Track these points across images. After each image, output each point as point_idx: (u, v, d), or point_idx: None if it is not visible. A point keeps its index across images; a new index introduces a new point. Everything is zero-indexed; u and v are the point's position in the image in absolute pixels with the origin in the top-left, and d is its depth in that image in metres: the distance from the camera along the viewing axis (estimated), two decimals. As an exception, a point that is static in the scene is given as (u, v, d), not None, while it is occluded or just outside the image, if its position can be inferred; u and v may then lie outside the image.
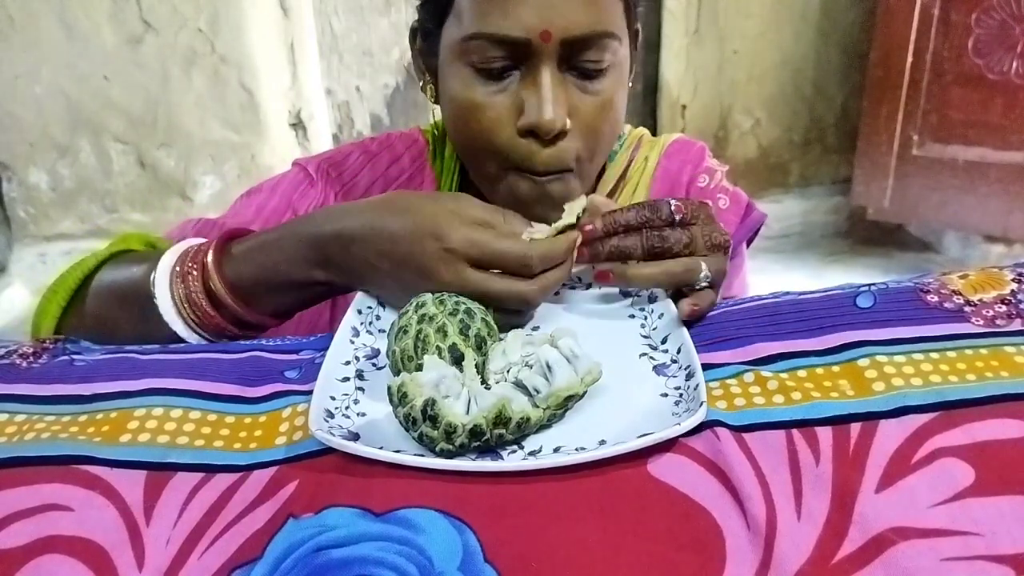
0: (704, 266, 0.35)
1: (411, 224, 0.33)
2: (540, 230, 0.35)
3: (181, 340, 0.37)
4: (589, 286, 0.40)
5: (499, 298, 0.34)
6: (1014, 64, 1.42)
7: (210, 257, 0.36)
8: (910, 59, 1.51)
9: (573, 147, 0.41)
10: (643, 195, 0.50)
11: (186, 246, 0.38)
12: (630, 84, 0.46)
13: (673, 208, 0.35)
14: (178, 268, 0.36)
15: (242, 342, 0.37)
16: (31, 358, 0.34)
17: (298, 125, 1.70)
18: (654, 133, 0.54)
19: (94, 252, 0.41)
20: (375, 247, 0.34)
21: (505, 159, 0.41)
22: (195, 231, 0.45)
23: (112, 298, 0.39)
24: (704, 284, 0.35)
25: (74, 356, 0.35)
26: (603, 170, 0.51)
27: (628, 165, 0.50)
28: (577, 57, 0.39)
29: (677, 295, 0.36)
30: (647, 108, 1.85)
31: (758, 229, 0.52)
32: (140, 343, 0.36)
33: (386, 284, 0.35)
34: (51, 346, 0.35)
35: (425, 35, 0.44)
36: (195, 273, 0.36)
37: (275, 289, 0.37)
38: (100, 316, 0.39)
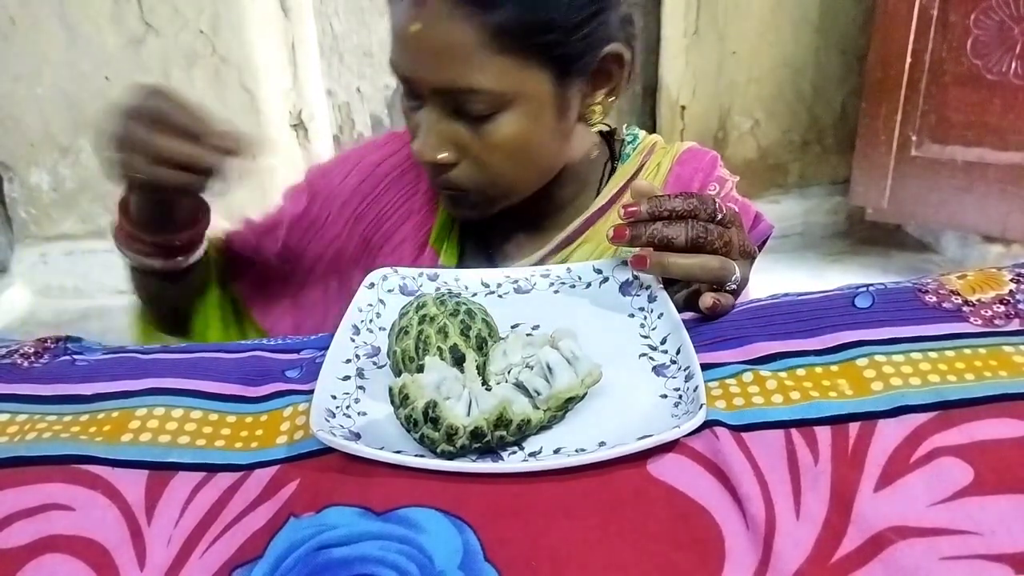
0: (736, 268, 0.35)
1: None
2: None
3: (148, 276, 0.46)
4: (589, 285, 0.40)
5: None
6: (1013, 65, 1.42)
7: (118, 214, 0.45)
8: (909, 60, 1.51)
9: (464, 177, 0.43)
10: None
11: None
12: (612, 100, 0.44)
13: (718, 204, 0.35)
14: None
15: (243, 342, 0.38)
16: (32, 358, 0.35)
17: (299, 126, 1.70)
18: (654, 133, 0.54)
19: None
20: None
21: None
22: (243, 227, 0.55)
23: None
24: (732, 287, 0.36)
25: (75, 356, 0.35)
26: (613, 172, 0.51)
27: (639, 169, 0.50)
28: (456, 103, 0.40)
29: (694, 292, 0.36)
30: (646, 109, 1.85)
31: (765, 240, 0.52)
32: (148, 295, 0.48)
33: None
34: (52, 346, 0.36)
35: None
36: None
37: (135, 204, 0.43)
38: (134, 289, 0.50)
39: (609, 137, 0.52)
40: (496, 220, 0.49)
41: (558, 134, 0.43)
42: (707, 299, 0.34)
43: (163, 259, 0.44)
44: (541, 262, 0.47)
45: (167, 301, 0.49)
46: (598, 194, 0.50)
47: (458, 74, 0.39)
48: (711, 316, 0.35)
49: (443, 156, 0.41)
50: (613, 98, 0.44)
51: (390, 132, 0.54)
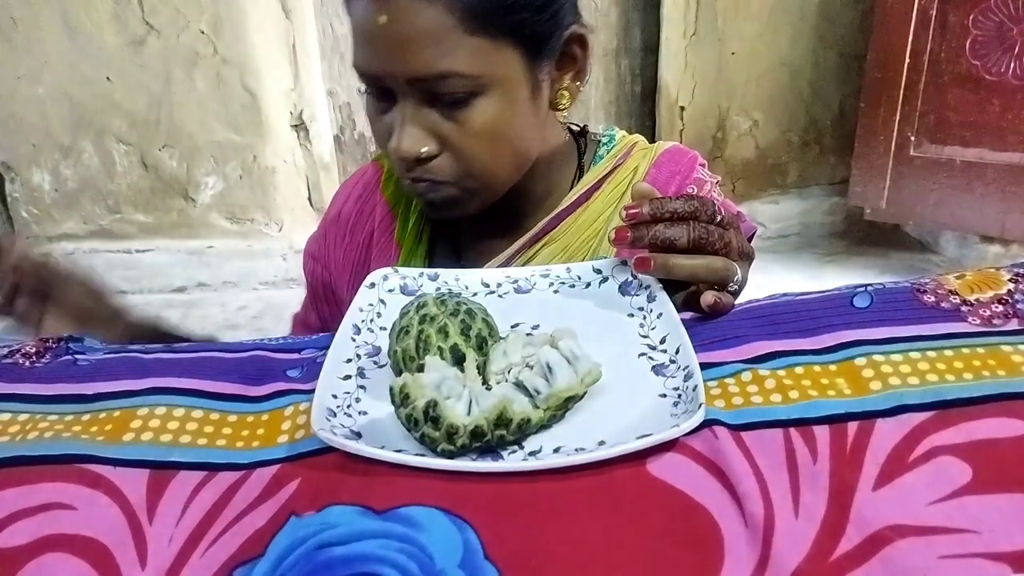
0: (739, 269, 0.36)
1: None
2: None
3: None
4: (588, 285, 0.40)
5: None
6: (1011, 65, 1.42)
7: None
8: (907, 60, 1.51)
9: (444, 166, 0.42)
10: None
11: None
12: (579, 85, 0.45)
13: (717, 206, 0.36)
14: None
15: (244, 341, 0.38)
16: (34, 357, 0.35)
17: (300, 126, 1.70)
18: (653, 134, 0.54)
19: None
20: None
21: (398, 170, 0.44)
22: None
23: None
24: (734, 287, 0.36)
25: (77, 355, 0.35)
26: (582, 171, 0.51)
27: (612, 171, 0.49)
28: (432, 91, 0.40)
29: (692, 292, 0.37)
30: (646, 110, 1.85)
31: (749, 239, 0.52)
32: None
33: None
34: (54, 345, 0.36)
35: None
36: None
37: None
38: None
39: (579, 137, 0.51)
40: (466, 221, 0.49)
41: (533, 120, 0.43)
42: (708, 297, 0.34)
43: None
44: (508, 262, 0.47)
45: None
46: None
47: (431, 59, 0.38)
48: (712, 314, 0.35)
49: (425, 149, 0.41)
50: (579, 83, 0.45)
51: (345, 182, 0.56)
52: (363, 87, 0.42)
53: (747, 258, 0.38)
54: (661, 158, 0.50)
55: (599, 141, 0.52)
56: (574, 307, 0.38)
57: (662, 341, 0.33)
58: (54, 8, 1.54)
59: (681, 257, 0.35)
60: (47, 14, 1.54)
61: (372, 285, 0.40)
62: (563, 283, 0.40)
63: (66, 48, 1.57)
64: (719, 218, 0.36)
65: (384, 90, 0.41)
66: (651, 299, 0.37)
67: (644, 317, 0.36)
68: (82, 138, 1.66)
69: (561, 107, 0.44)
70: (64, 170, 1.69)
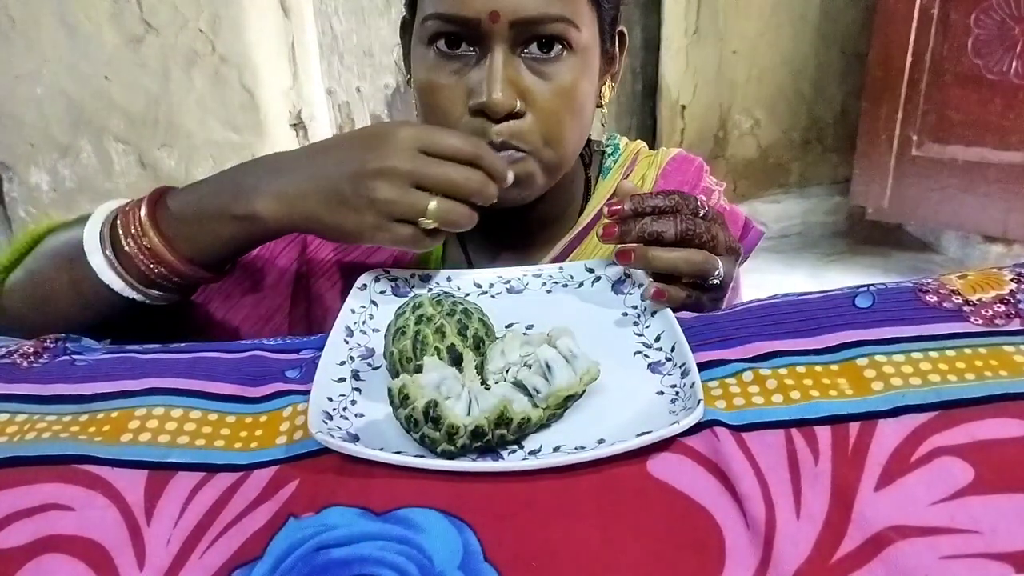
0: (720, 264, 0.36)
1: (358, 134, 0.36)
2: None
3: (111, 295, 0.38)
4: (581, 284, 0.40)
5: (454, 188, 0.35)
6: (1013, 64, 1.42)
7: (143, 208, 0.38)
8: (909, 59, 1.51)
9: (528, 129, 0.40)
10: None
11: (125, 201, 0.39)
12: (613, 85, 0.46)
13: (700, 200, 0.36)
14: (110, 212, 0.39)
15: (243, 342, 0.37)
16: (32, 358, 0.35)
17: (299, 125, 1.70)
18: (654, 133, 0.54)
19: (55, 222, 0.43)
20: (307, 147, 0.37)
21: None
22: None
23: (48, 253, 0.41)
24: (715, 281, 0.36)
25: (75, 356, 0.35)
26: (590, 185, 0.50)
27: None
28: (530, 40, 0.39)
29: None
30: (647, 108, 1.85)
31: (754, 244, 0.52)
32: (69, 303, 0.38)
33: (297, 173, 0.36)
34: (52, 346, 0.36)
35: (405, 25, 0.45)
36: (127, 209, 0.38)
37: (199, 222, 0.38)
38: (36, 272, 0.41)
39: (584, 148, 0.51)
40: (482, 239, 0.48)
41: (593, 104, 0.44)
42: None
43: (170, 294, 0.39)
44: None
45: (99, 318, 0.39)
46: (582, 211, 0.49)
47: (548, 1, 0.38)
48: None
49: (519, 104, 0.39)
50: (614, 83, 0.46)
51: None
52: (437, 43, 0.39)
53: (734, 253, 0.38)
54: (668, 167, 0.50)
55: (603, 152, 0.51)
56: (567, 306, 0.38)
57: (657, 339, 0.33)
58: (52, 8, 1.53)
59: (661, 250, 0.35)
60: (45, 14, 1.54)
61: (364, 287, 0.39)
62: (556, 282, 0.40)
63: (64, 47, 1.56)
64: (703, 211, 0.36)
65: (460, 43, 0.39)
66: (644, 297, 0.37)
67: (638, 315, 0.36)
68: (80, 137, 1.66)
69: (601, 104, 0.45)
70: (62, 169, 1.69)
